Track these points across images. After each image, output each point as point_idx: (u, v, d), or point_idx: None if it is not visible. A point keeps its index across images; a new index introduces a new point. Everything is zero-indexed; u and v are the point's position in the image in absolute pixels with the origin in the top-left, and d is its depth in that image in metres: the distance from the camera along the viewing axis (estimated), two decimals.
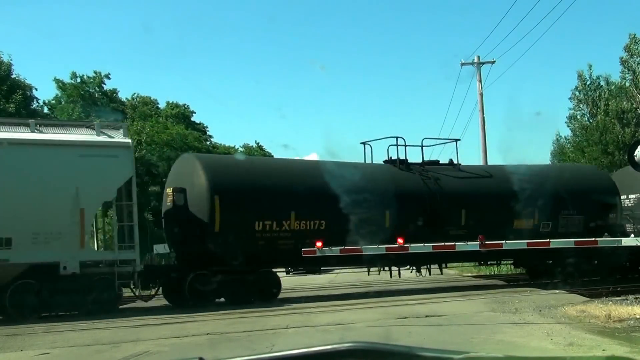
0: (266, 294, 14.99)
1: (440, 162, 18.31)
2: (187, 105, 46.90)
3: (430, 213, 16.49)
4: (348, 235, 14.46)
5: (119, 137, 14.49)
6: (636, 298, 13.14)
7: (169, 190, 15.47)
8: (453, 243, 15.73)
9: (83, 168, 13.47)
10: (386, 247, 15.34)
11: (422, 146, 17.86)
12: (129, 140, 14.67)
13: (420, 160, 17.75)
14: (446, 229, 16.41)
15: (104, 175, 13.73)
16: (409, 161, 17.46)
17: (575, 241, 16.41)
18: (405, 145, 17.38)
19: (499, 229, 16.38)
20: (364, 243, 14.67)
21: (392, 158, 17.41)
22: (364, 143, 17.64)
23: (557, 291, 15.10)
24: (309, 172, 16.30)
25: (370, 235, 14.72)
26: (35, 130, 13.95)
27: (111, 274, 13.64)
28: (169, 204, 15.35)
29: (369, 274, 18.05)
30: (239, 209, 14.81)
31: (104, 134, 14.41)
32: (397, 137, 17.43)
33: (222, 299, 14.94)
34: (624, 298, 13.32)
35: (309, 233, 15.15)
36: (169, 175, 16.90)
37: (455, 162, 18.18)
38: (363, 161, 17.49)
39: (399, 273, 17.52)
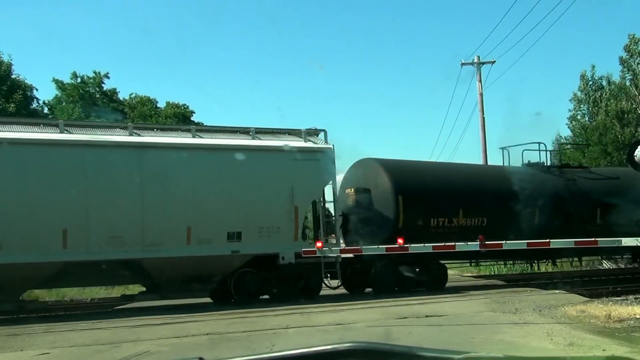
0: (437, 283, 16.36)
1: (571, 165, 20.26)
2: (187, 105, 46.80)
3: (571, 211, 17.83)
4: (505, 230, 15.97)
5: (320, 142, 15.99)
6: (636, 298, 13.18)
7: (349, 191, 16.84)
8: (453, 243, 15.89)
9: (296, 170, 15.11)
10: (386, 248, 15.42)
11: (559, 151, 19.60)
12: (331, 146, 15.93)
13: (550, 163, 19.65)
14: (584, 226, 17.52)
15: (312, 176, 15.46)
16: (547, 165, 19.25)
17: (575, 241, 16.47)
18: (546, 151, 19.34)
19: (628, 226, 17.44)
20: (515, 238, 16.04)
21: (532, 162, 19.15)
22: (503, 148, 19.41)
23: (557, 291, 15.14)
24: (473, 175, 18.34)
25: (522, 231, 16.34)
26: (255, 138, 15.45)
27: (317, 264, 14.99)
28: (350, 202, 16.65)
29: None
30: (419, 207, 16.28)
31: (309, 140, 15.86)
32: (539, 143, 19.32)
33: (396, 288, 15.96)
34: (624, 298, 13.36)
35: (473, 229, 16.60)
36: (345, 176, 18.27)
37: (583, 165, 19.97)
38: (502, 165, 19.35)
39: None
